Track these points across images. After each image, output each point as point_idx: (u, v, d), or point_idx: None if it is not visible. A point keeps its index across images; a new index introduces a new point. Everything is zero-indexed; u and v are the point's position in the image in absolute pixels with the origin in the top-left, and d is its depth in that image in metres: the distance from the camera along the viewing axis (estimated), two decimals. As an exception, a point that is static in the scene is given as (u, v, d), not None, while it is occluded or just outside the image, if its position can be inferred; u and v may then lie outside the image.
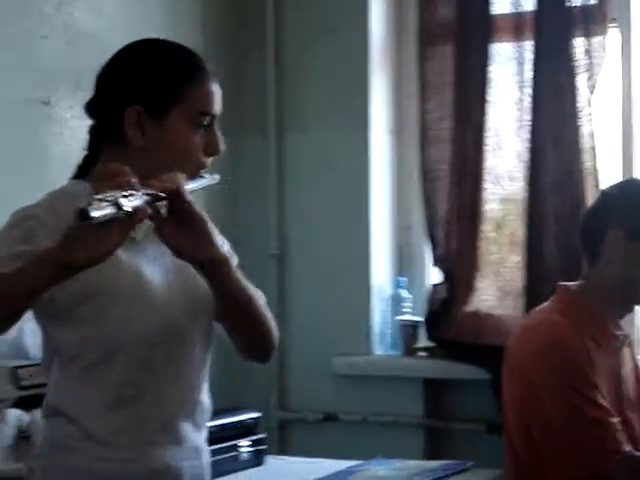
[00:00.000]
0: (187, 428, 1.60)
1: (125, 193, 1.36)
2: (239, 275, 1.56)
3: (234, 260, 1.62)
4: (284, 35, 3.41)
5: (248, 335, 1.63)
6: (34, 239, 1.50)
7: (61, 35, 2.80)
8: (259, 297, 1.63)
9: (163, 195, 1.43)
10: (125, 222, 1.37)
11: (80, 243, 1.35)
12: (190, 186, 1.51)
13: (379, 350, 3.33)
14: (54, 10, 2.78)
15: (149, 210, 1.40)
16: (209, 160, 1.62)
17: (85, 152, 1.67)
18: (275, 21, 3.40)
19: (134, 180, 1.39)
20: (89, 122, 2.89)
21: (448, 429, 3.24)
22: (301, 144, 3.40)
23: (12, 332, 1.86)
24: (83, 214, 1.30)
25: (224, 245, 1.63)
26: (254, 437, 2.75)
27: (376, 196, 3.34)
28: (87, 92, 2.86)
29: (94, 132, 1.64)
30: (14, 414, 2.26)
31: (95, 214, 1.31)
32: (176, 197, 1.45)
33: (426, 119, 3.26)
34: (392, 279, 3.37)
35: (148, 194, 1.41)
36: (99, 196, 1.33)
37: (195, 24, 3.28)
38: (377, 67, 3.35)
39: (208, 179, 1.61)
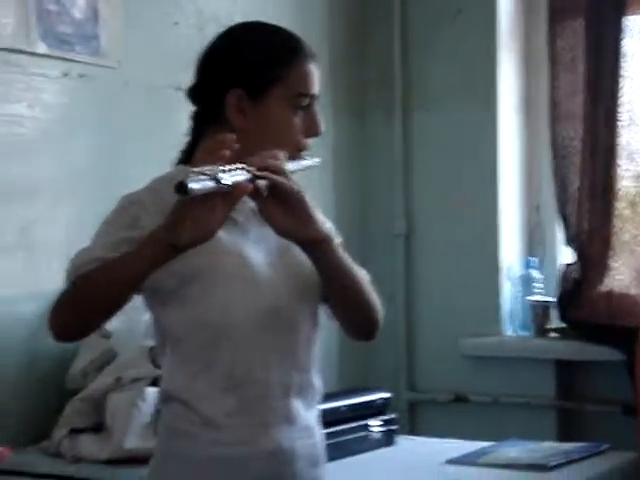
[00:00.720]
0: (298, 408, 1.60)
1: (224, 168, 1.36)
2: (343, 254, 1.56)
3: (337, 240, 1.62)
4: (410, 14, 3.38)
5: (353, 314, 1.62)
6: (139, 224, 1.51)
7: (193, 21, 2.84)
8: (363, 276, 1.62)
9: (261, 174, 1.43)
10: (227, 199, 1.38)
11: (184, 221, 1.37)
12: (290, 166, 1.50)
13: (509, 331, 3.30)
14: (186, -4, 2.84)
15: (250, 186, 1.41)
16: (309, 142, 1.62)
17: (188, 137, 1.68)
18: (401, 1, 3.38)
19: (232, 152, 1.39)
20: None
21: (581, 411, 3.18)
22: (428, 123, 3.37)
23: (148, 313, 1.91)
24: (181, 187, 1.31)
25: (326, 224, 1.62)
26: (384, 417, 2.75)
27: (505, 174, 3.29)
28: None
29: (196, 117, 1.66)
30: (152, 392, 2.31)
31: (193, 186, 1.31)
32: (275, 173, 1.45)
33: (556, 95, 3.19)
34: (522, 259, 3.32)
35: (248, 171, 1.41)
36: (197, 169, 1.34)
37: (321, 6, 3.29)
38: (505, 44, 3.29)
39: (309, 161, 1.61)
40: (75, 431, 2.32)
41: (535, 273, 3.27)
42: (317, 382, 1.65)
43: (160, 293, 1.54)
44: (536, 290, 3.26)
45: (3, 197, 2.36)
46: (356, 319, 1.63)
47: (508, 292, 3.29)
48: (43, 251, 2.45)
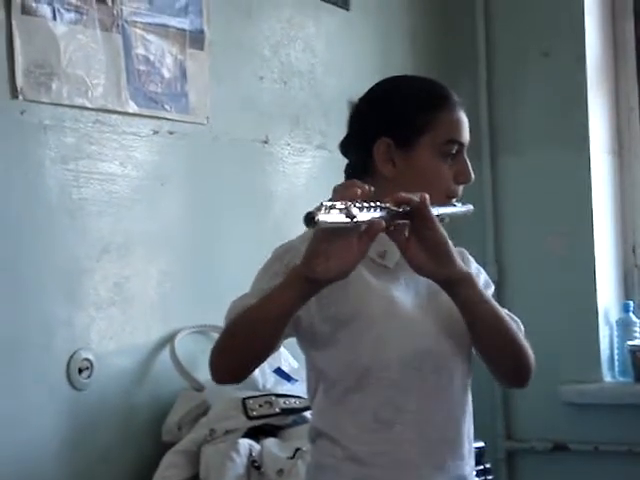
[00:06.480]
0: (450, 456, 1.58)
1: (359, 205, 1.34)
2: (485, 297, 1.53)
3: (490, 289, 1.62)
4: (495, 58, 3.38)
5: (498, 360, 1.59)
6: None
7: (277, 75, 2.88)
8: (513, 323, 1.60)
9: (401, 211, 1.41)
10: (363, 236, 1.38)
11: (319, 256, 1.38)
12: (440, 211, 1.50)
13: (608, 377, 3.21)
14: (271, 52, 2.87)
15: (383, 223, 1.39)
16: (460, 189, 1.62)
17: None
18: (486, 46, 3.38)
19: (368, 191, 1.38)
20: (306, 160, 2.94)
21: (686, 458, 3.08)
22: (517, 167, 3.35)
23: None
24: (310, 218, 1.28)
25: (480, 275, 1.63)
26: (481, 467, 2.70)
27: (599, 217, 3.24)
28: (303, 130, 2.98)
29: (348, 170, 1.68)
30: (245, 444, 2.32)
31: (322, 218, 1.29)
32: (419, 212, 1.43)
33: (649, 134, 3.15)
34: (619, 303, 3.25)
35: (385, 208, 1.39)
36: (329, 203, 1.31)
37: (405, 52, 3.30)
38: (594, 85, 3.26)
39: (460, 207, 1.61)
40: (171, 484, 2.33)
41: (633, 317, 3.19)
42: (470, 432, 1.62)
43: (316, 338, 1.57)
44: (635, 334, 3.18)
45: (97, 254, 2.40)
46: (505, 365, 1.60)
47: (606, 337, 3.22)
48: (137, 306, 2.48)
